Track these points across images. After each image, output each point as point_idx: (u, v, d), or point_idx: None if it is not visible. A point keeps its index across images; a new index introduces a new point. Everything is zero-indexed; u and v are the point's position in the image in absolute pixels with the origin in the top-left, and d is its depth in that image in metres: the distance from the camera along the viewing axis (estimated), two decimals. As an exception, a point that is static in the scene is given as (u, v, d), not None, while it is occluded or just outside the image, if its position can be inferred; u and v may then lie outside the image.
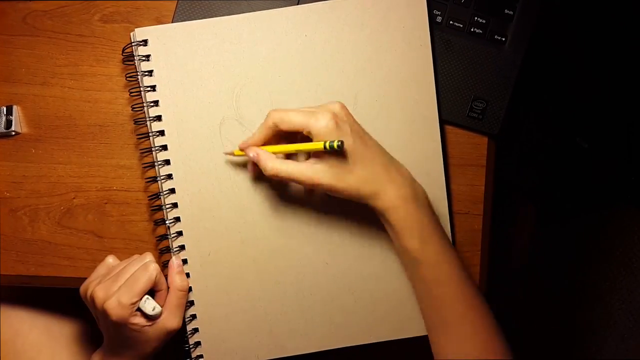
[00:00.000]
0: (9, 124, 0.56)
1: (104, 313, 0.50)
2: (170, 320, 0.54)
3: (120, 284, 0.51)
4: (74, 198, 0.57)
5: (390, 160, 0.51)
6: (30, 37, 0.57)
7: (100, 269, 0.55)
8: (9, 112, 0.56)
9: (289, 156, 0.52)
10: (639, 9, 1.05)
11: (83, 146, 0.58)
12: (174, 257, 0.55)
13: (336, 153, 0.48)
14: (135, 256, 0.55)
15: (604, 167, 1.17)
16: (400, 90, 0.55)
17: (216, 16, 0.56)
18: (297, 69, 0.55)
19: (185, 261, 0.56)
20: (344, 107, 0.50)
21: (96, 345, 0.57)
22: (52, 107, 0.57)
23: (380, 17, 0.55)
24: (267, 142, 0.52)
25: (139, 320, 0.52)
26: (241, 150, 0.53)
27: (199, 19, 0.56)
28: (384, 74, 0.55)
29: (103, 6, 0.57)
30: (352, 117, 0.50)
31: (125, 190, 0.58)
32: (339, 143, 0.45)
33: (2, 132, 0.56)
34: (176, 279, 0.55)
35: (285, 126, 0.49)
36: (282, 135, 0.51)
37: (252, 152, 0.51)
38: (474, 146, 0.58)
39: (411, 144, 0.56)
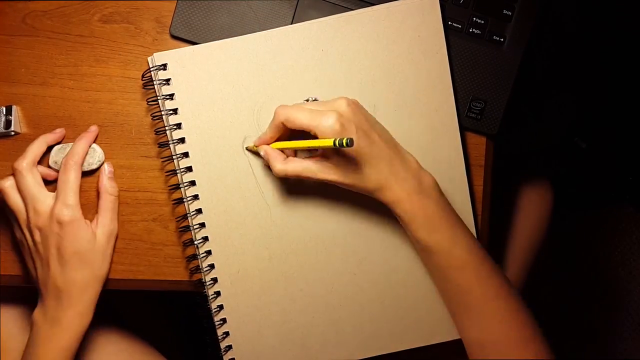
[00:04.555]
0: (8, 124, 0.56)
1: (57, 221, 0.52)
2: (106, 225, 0.55)
3: (43, 195, 0.53)
4: (73, 198, 0.57)
5: (395, 154, 0.51)
6: (29, 37, 0.57)
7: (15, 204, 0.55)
8: (9, 112, 0.56)
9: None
10: (638, 9, 1.05)
11: (82, 146, 0.58)
12: (105, 164, 0.57)
13: (343, 150, 0.48)
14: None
15: (602, 167, 1.17)
16: (419, 99, 0.56)
17: (216, 16, 0.56)
18: (316, 84, 0.55)
19: (215, 280, 0.57)
20: (350, 103, 0.50)
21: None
22: (51, 107, 0.57)
23: (395, 28, 0.55)
24: (279, 138, 0.52)
25: (88, 223, 0.54)
26: (256, 147, 0.54)
27: (199, 19, 0.56)
28: (401, 83, 0.56)
29: (102, 6, 0.57)
30: (360, 111, 0.51)
31: (125, 190, 0.58)
32: (348, 141, 0.45)
33: (1, 132, 0.56)
34: (106, 183, 0.56)
35: (291, 125, 0.50)
36: (293, 131, 0.51)
37: (262, 151, 0.53)
38: (473, 146, 0.58)
39: (432, 151, 0.56)
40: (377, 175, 0.50)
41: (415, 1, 0.55)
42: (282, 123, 0.50)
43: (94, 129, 0.56)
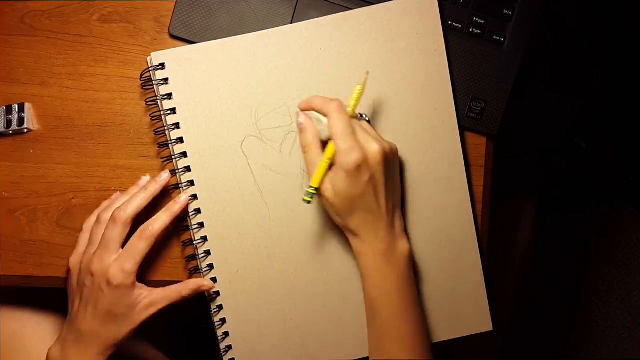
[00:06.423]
0: (21, 121, 0.56)
1: (106, 281, 0.52)
2: (152, 303, 0.54)
3: (113, 251, 0.53)
4: (72, 198, 0.57)
5: (387, 214, 0.51)
6: (28, 37, 0.57)
7: (82, 240, 0.56)
8: (21, 109, 0.56)
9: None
10: (638, 9, 1.05)
11: (81, 146, 0.57)
12: (205, 284, 0.56)
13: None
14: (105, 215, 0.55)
15: (602, 167, 1.17)
16: (418, 97, 0.56)
17: (215, 16, 0.56)
18: (314, 82, 0.55)
19: (215, 279, 0.56)
20: (384, 153, 0.49)
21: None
22: (50, 107, 0.57)
23: (393, 26, 0.55)
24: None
25: (138, 290, 0.53)
26: (300, 107, 0.53)
27: (198, 19, 0.56)
28: (400, 81, 0.56)
29: (101, 6, 0.57)
30: (387, 163, 0.50)
31: (124, 191, 0.57)
32: (306, 201, 0.50)
33: (15, 130, 0.56)
34: (190, 286, 0.55)
35: (328, 125, 0.50)
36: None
37: (301, 119, 0.51)
38: (473, 146, 0.58)
39: (431, 149, 0.56)
40: (360, 222, 0.51)
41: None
42: (327, 114, 0.50)
43: (183, 201, 0.55)
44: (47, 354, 0.55)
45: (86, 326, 0.53)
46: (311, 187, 0.49)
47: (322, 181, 0.50)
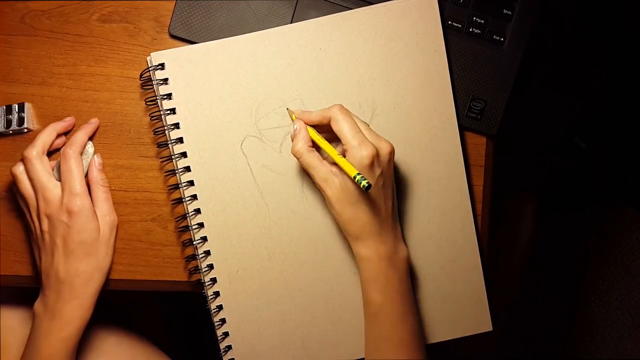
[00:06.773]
0: (21, 121, 0.56)
1: (66, 212, 0.52)
2: (106, 215, 0.55)
3: (51, 185, 0.53)
4: (72, 198, 0.57)
5: (390, 217, 0.52)
6: (28, 37, 0.57)
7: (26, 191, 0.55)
8: (21, 109, 0.56)
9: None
10: (638, 9, 1.05)
11: (81, 146, 0.57)
12: (95, 156, 0.56)
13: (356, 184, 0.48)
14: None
15: (602, 167, 1.17)
16: (417, 97, 0.56)
17: (215, 16, 0.56)
18: (314, 82, 0.55)
19: (215, 279, 0.56)
20: (392, 152, 0.50)
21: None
22: (50, 107, 0.57)
23: (393, 25, 0.55)
24: (321, 124, 0.52)
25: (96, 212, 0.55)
26: (296, 117, 0.53)
27: (198, 18, 0.56)
28: (400, 81, 0.56)
29: (101, 6, 0.57)
30: (392, 163, 0.51)
31: (124, 191, 0.57)
32: (367, 185, 0.46)
33: (15, 130, 0.56)
34: (97, 175, 0.56)
35: (333, 126, 0.50)
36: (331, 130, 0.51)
37: (297, 125, 0.52)
38: (473, 146, 0.58)
39: (431, 148, 0.56)
40: (363, 224, 0.50)
41: None
42: (330, 118, 0.50)
43: (94, 121, 0.56)
44: (33, 310, 0.54)
45: (63, 270, 0.53)
46: (357, 175, 0.47)
47: (329, 180, 0.49)
